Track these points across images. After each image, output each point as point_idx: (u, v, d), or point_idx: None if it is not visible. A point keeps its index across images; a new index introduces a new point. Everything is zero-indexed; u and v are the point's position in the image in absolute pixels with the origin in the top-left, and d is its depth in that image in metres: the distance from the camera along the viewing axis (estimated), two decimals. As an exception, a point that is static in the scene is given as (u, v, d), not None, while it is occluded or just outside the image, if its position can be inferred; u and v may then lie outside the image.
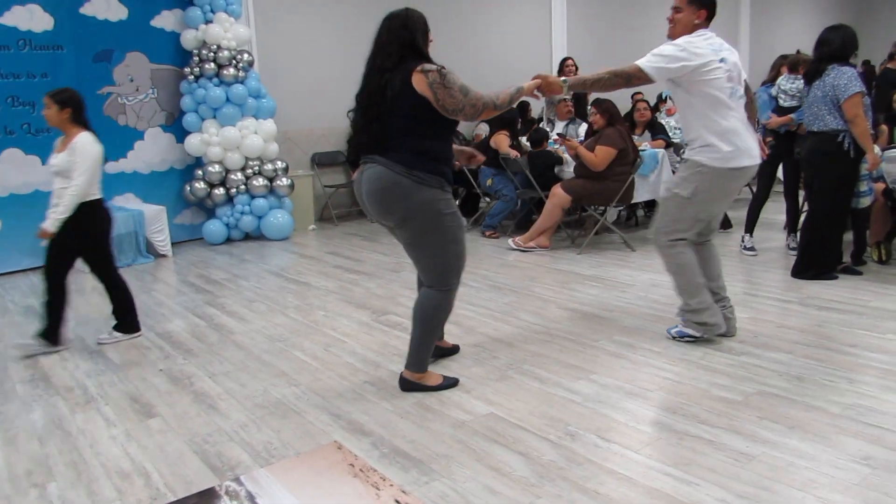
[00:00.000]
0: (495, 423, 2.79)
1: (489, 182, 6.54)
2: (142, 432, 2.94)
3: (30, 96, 6.07)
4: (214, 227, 6.89)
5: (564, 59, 8.16)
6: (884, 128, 5.38)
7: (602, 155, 5.51)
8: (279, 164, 7.02)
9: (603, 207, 5.91)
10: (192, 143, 6.71)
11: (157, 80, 6.77)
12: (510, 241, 5.94)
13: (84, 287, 5.38)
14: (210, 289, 5.27)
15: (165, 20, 6.72)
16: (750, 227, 5.45)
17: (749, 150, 3.30)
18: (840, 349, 3.37)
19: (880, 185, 4.78)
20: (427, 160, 2.85)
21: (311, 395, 3.18)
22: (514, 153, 6.31)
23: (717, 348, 3.44)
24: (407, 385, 3.14)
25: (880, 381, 2.99)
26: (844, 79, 4.22)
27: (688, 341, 3.52)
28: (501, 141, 6.41)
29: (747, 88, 3.48)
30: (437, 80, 2.77)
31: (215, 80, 6.68)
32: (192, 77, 6.69)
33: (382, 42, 2.91)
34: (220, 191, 6.83)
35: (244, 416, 3.02)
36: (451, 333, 3.71)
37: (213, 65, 6.63)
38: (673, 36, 3.30)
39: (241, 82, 6.76)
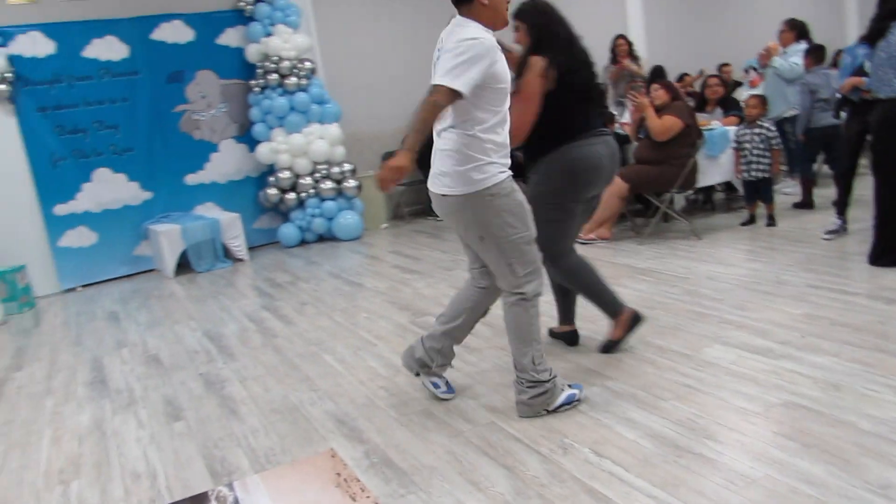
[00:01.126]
0: (493, 433, 2.71)
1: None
2: (164, 435, 3.08)
3: (114, 120, 6.54)
4: (288, 231, 7.13)
5: (616, 38, 7.44)
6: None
7: (668, 123, 5.20)
8: (346, 167, 7.15)
9: (666, 194, 5.61)
10: (263, 151, 6.97)
11: (226, 95, 7.07)
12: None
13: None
14: (271, 292, 5.45)
15: (230, 37, 7.01)
16: (840, 208, 4.93)
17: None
18: (896, 351, 3.02)
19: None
20: None
21: (325, 401, 3.22)
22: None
23: (754, 351, 3.18)
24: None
25: (932, 387, 2.66)
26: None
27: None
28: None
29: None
30: None
31: (279, 89, 6.90)
32: (258, 89, 6.93)
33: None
34: (291, 195, 7.05)
35: (258, 421, 3.10)
36: (480, 334, 3.63)
37: (275, 75, 6.84)
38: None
39: (304, 90, 6.95)
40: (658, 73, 7.50)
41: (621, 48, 7.33)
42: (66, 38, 6.24)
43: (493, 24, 2.60)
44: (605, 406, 2.83)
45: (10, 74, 6.02)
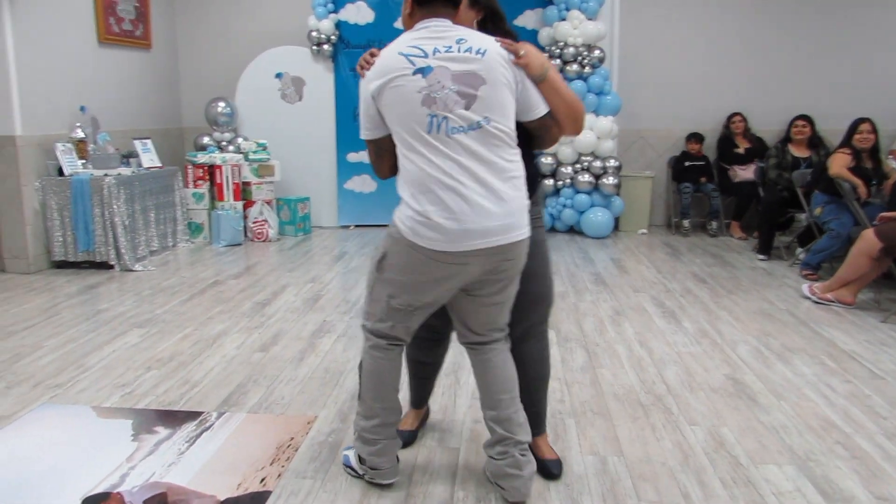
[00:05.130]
0: None
1: (818, 211, 5.31)
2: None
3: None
4: (539, 216, 7.19)
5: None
6: None
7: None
8: (611, 163, 6.90)
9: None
10: (532, 133, 7.08)
11: (514, 73, 7.30)
12: (805, 286, 4.80)
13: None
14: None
15: (528, 19, 7.17)
16: None
17: (442, 226, 1.99)
18: None
19: None
20: None
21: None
22: (856, 181, 5.00)
23: None
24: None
25: None
26: None
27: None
28: (836, 161, 5.14)
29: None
30: None
31: (560, 75, 6.90)
32: (542, 71, 7.02)
33: None
34: (549, 181, 7.08)
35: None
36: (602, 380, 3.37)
37: (558, 61, 6.85)
38: None
39: (584, 78, 6.83)
40: None
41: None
42: (384, 10, 7.09)
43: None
44: None
45: (334, 37, 7.09)
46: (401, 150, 2.08)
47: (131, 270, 5.43)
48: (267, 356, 3.61)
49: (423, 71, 2.01)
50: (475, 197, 1.99)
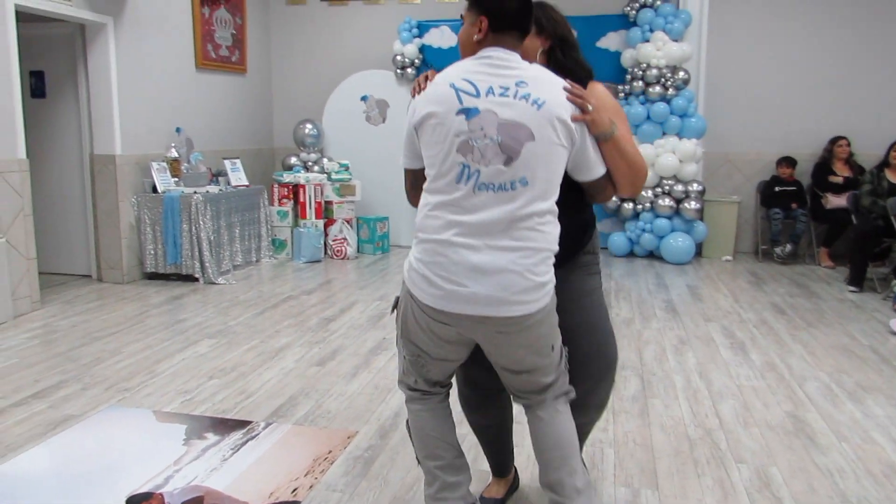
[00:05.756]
0: None
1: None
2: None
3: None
4: (618, 240, 7.06)
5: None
6: None
7: None
8: (694, 187, 6.70)
9: None
10: (612, 156, 6.98)
11: (595, 95, 7.23)
12: (894, 321, 4.48)
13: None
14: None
15: (610, 41, 7.10)
16: None
17: (430, 279, 1.84)
18: None
19: None
20: None
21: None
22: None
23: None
24: None
25: None
26: None
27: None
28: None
29: None
30: None
31: (641, 97, 6.78)
32: (623, 95, 6.92)
33: None
34: (629, 205, 6.95)
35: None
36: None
37: (640, 83, 6.74)
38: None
39: (667, 100, 6.68)
40: None
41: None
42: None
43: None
44: (617, 506, 2.40)
45: (418, 60, 7.27)
46: (426, 186, 1.91)
47: (214, 283, 5.73)
48: (322, 370, 3.72)
49: (467, 112, 1.78)
50: (474, 260, 1.78)
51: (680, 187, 6.72)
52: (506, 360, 1.95)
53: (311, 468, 2.67)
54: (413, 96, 1.94)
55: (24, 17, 5.06)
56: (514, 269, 1.78)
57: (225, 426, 3.05)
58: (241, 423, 3.07)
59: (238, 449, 2.83)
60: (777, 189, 6.96)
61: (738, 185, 7.35)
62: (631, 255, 7.09)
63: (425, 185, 1.90)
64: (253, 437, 2.93)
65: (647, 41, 6.77)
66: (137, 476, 2.61)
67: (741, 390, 3.43)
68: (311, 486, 2.53)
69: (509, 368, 1.96)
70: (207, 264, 5.75)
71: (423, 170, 1.92)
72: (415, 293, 1.89)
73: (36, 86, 5.66)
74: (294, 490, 2.51)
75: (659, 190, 6.80)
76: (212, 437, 2.94)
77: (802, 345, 4.16)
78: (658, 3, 6.81)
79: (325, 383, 3.53)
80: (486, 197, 1.78)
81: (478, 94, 1.79)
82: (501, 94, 1.79)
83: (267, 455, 2.78)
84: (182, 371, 3.70)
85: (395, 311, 2.07)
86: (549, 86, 1.83)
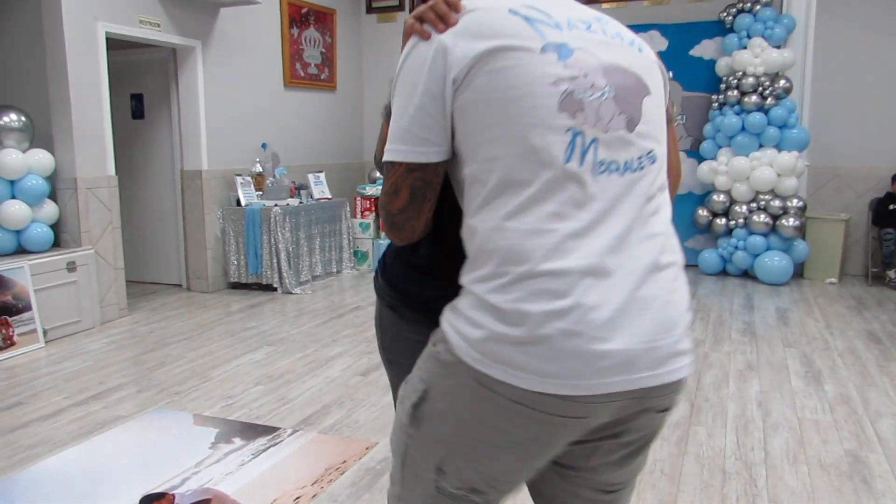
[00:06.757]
0: None
1: None
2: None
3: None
4: (710, 257, 6.66)
5: None
6: None
7: None
8: (794, 202, 6.22)
9: None
10: (703, 169, 6.63)
11: (687, 107, 6.90)
12: None
13: None
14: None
15: (705, 49, 6.75)
16: None
17: (556, 345, 1.02)
18: None
19: None
20: None
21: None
22: None
23: None
24: None
25: None
26: None
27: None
28: None
29: None
30: None
31: (736, 107, 6.40)
32: (717, 104, 6.56)
33: None
34: (721, 221, 6.55)
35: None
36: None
37: (735, 92, 6.36)
38: None
39: (764, 110, 6.26)
40: None
41: None
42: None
43: None
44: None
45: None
46: (477, 193, 1.11)
47: (291, 293, 5.91)
48: (364, 380, 3.73)
49: (560, 49, 1.08)
50: (634, 291, 1.06)
51: (777, 202, 6.26)
52: (616, 471, 1.22)
53: (321, 477, 2.67)
54: (423, 33, 1.12)
55: (123, 45, 5.46)
56: (672, 300, 1.11)
57: (253, 431, 3.11)
58: (269, 430, 3.13)
59: (258, 454, 2.88)
60: (891, 207, 6.33)
61: (849, 201, 6.75)
62: (723, 273, 6.67)
63: (484, 183, 1.09)
64: (276, 444, 2.98)
65: (745, 48, 6.39)
66: (158, 476, 2.71)
67: (801, 423, 3.11)
68: (314, 496, 2.53)
69: (610, 486, 1.23)
70: (285, 274, 5.94)
71: (441, 164, 1.14)
72: (506, 378, 1.05)
73: (136, 108, 6.09)
74: (297, 498, 2.52)
75: (754, 205, 6.37)
76: (238, 442, 3.01)
77: (890, 378, 3.73)
78: (758, 7, 6.43)
79: (363, 393, 3.54)
80: (610, 183, 1.08)
81: (559, 27, 1.11)
82: (587, 28, 1.14)
83: (283, 462, 2.81)
84: (232, 377, 3.83)
85: (416, 411, 1.18)
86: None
